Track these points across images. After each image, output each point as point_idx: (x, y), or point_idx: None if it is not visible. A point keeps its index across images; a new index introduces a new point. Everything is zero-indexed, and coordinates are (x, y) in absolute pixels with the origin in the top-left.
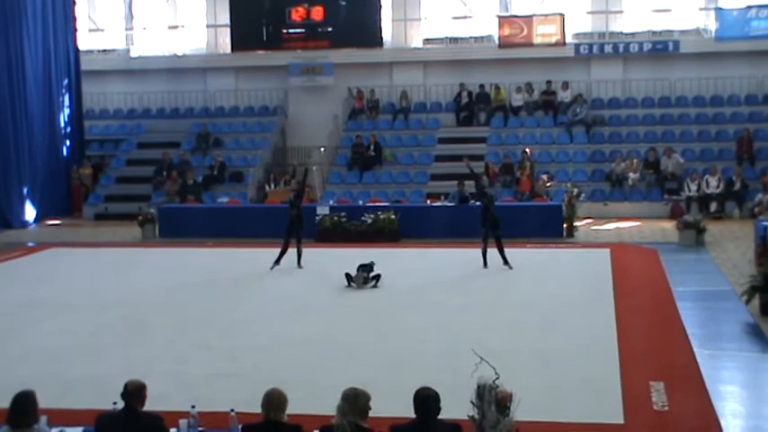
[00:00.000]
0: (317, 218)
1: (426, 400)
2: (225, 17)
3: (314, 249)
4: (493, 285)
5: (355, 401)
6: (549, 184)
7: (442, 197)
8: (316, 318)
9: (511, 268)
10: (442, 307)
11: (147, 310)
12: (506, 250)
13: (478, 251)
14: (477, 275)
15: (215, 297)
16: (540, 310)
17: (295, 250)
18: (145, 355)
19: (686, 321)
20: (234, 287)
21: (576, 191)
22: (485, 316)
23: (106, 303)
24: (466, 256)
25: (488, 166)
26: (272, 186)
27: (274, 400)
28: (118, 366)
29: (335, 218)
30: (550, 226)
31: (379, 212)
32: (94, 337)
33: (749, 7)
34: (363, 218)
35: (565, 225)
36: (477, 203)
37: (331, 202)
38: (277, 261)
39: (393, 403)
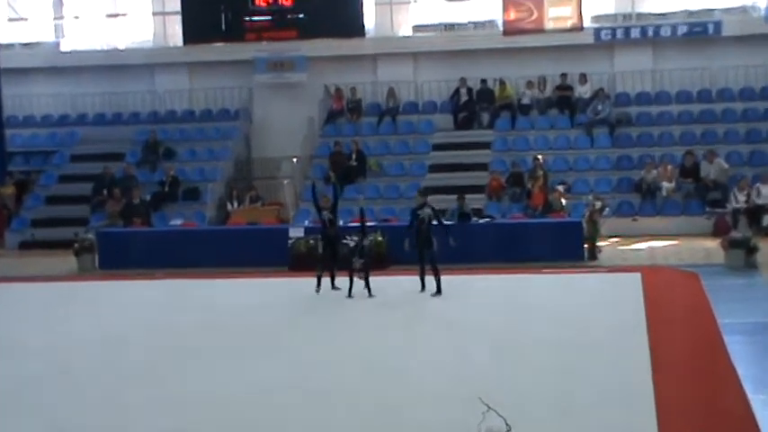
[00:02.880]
0: (290, 242)
1: None
2: (175, 4)
3: (286, 279)
4: (501, 320)
5: None
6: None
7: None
8: (287, 359)
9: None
10: (441, 345)
11: (82, 359)
12: (517, 276)
13: (485, 277)
14: (481, 308)
15: (165, 340)
16: (557, 348)
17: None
18: (76, 411)
19: (736, 360)
20: (188, 328)
21: (598, 204)
22: (492, 356)
23: (32, 350)
24: (469, 285)
25: (492, 178)
26: (236, 205)
27: None
28: (41, 425)
29: (311, 241)
30: (569, 247)
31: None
32: (15, 391)
33: None
34: (345, 241)
35: (586, 245)
36: (481, 221)
37: (306, 223)
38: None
39: None
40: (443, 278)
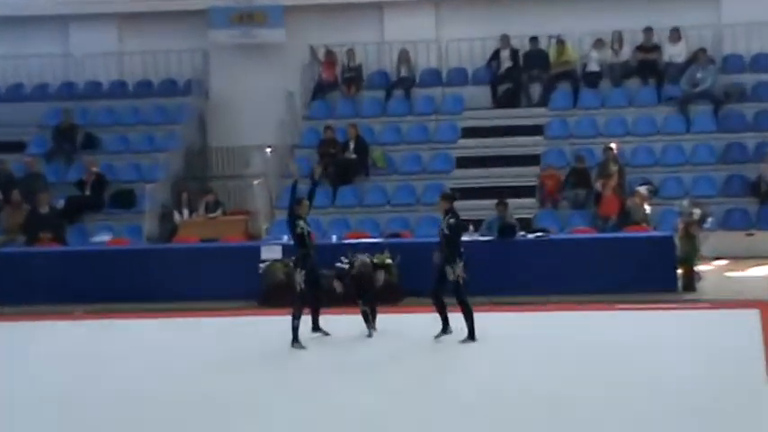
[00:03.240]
0: (261, 266)
1: None
2: None
3: (256, 318)
4: (558, 377)
5: None
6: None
7: (471, 227)
8: None
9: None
10: (474, 417)
11: None
12: (581, 314)
13: (536, 316)
14: (531, 360)
15: (82, 410)
16: (643, 416)
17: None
18: None
19: None
20: (117, 390)
21: (697, 213)
22: (548, 428)
23: None
24: (513, 327)
25: (546, 176)
26: (186, 214)
27: None
28: None
29: (291, 264)
30: (655, 273)
31: (367, 255)
32: None
33: None
34: (339, 264)
35: (680, 271)
36: (530, 237)
37: (285, 239)
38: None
39: None
40: (478, 316)
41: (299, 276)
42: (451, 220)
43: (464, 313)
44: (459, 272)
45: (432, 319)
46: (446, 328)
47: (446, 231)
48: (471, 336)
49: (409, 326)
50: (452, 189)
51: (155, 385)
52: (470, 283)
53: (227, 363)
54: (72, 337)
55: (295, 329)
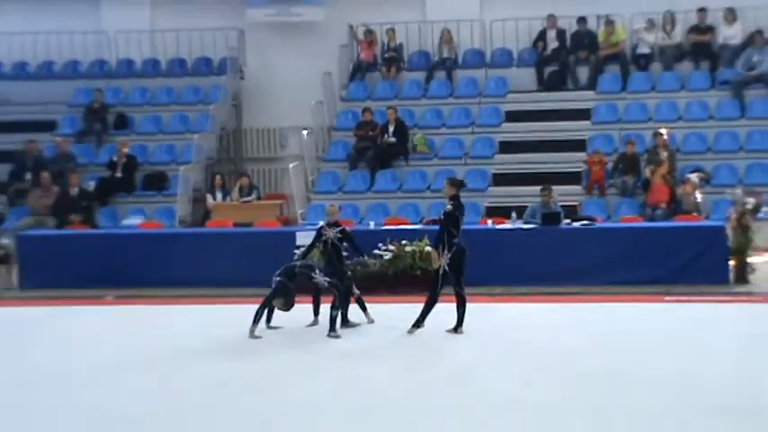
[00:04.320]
0: (296, 252)
1: None
2: None
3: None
4: (602, 373)
5: None
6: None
7: (513, 215)
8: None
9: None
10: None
11: None
12: (629, 306)
13: (581, 308)
14: (570, 350)
15: (112, 397)
16: (692, 420)
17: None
18: None
19: None
20: (145, 377)
21: (752, 202)
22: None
23: None
24: (563, 320)
25: (593, 162)
26: (219, 198)
27: None
28: None
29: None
30: (707, 264)
31: (405, 242)
32: None
33: None
34: (377, 251)
35: (732, 262)
36: (575, 225)
37: (321, 225)
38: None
39: None
40: (515, 306)
41: (320, 276)
42: (448, 207)
43: (426, 304)
44: (443, 262)
45: (476, 311)
46: (420, 321)
47: (441, 217)
48: (459, 326)
49: (447, 317)
50: (499, 173)
51: (174, 372)
52: (511, 271)
53: (256, 349)
54: (99, 324)
55: (333, 319)
